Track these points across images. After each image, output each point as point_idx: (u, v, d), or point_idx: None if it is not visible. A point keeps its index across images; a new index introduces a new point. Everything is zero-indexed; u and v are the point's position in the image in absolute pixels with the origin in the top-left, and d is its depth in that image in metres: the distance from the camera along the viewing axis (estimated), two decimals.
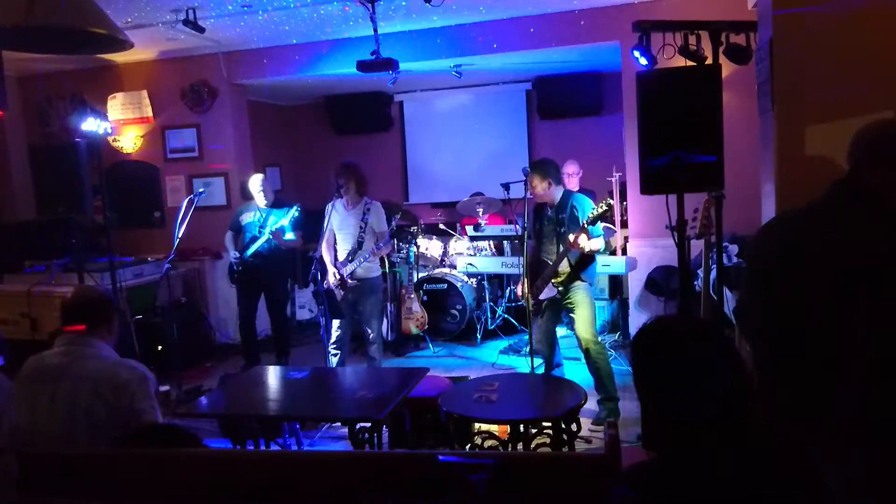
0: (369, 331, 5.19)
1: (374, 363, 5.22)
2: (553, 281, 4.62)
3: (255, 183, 5.74)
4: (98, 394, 2.45)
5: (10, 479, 2.03)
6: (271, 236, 5.61)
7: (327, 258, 5.18)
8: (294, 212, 5.56)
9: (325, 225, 5.15)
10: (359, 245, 5.07)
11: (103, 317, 2.64)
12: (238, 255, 5.72)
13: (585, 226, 4.32)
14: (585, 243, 4.37)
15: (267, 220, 5.68)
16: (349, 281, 5.06)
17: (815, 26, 2.85)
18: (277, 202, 5.83)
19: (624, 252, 6.31)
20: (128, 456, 2.26)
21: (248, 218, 5.77)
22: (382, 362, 5.36)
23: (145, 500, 2.13)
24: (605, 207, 4.28)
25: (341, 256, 5.16)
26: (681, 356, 1.44)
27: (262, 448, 3.75)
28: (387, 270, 6.78)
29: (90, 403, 2.44)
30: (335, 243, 5.22)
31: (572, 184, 6.28)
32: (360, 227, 5.08)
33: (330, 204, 5.20)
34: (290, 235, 5.64)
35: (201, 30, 5.53)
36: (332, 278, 5.10)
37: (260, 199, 5.74)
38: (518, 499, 2.05)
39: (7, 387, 2.44)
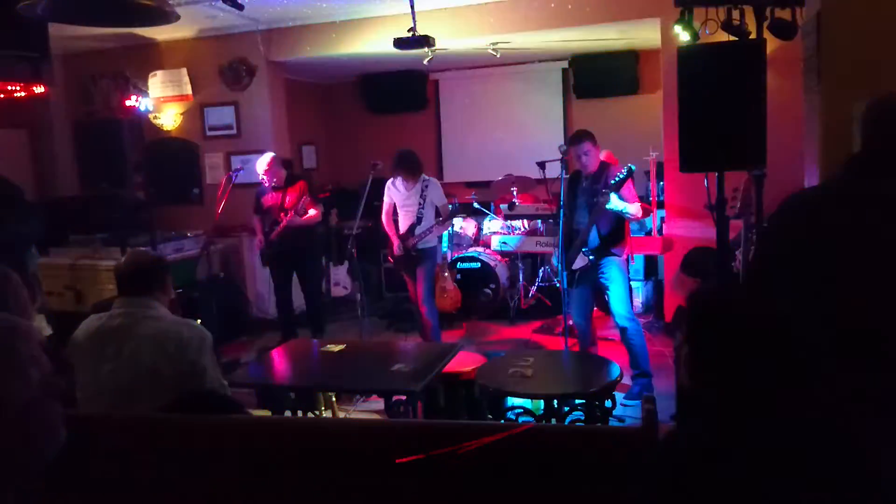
0: (422, 294, 5.51)
1: (429, 328, 5.56)
2: (584, 250, 4.62)
3: (262, 164, 5.68)
4: (163, 352, 2.53)
5: (53, 429, 2.09)
6: (288, 222, 5.60)
7: (390, 231, 5.60)
8: (304, 192, 5.64)
9: (384, 200, 5.61)
10: (418, 220, 5.42)
11: (158, 278, 2.70)
12: (263, 240, 5.78)
13: (613, 190, 4.39)
14: (616, 202, 4.39)
15: (284, 203, 5.68)
16: (413, 253, 5.48)
17: None
18: (290, 179, 5.81)
19: (660, 232, 6.26)
20: (174, 421, 2.32)
21: (269, 201, 5.79)
22: (437, 330, 5.66)
23: (190, 463, 2.20)
24: (625, 173, 4.38)
25: (402, 229, 5.55)
26: (745, 327, 1.42)
27: None
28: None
29: (155, 361, 2.52)
30: (396, 217, 5.62)
31: None
32: (420, 204, 5.43)
33: (390, 181, 5.60)
34: (311, 212, 5.65)
35: (240, 7, 5.56)
36: (397, 250, 5.50)
37: (266, 181, 5.71)
38: (553, 472, 2.06)
39: (35, 336, 2.51)
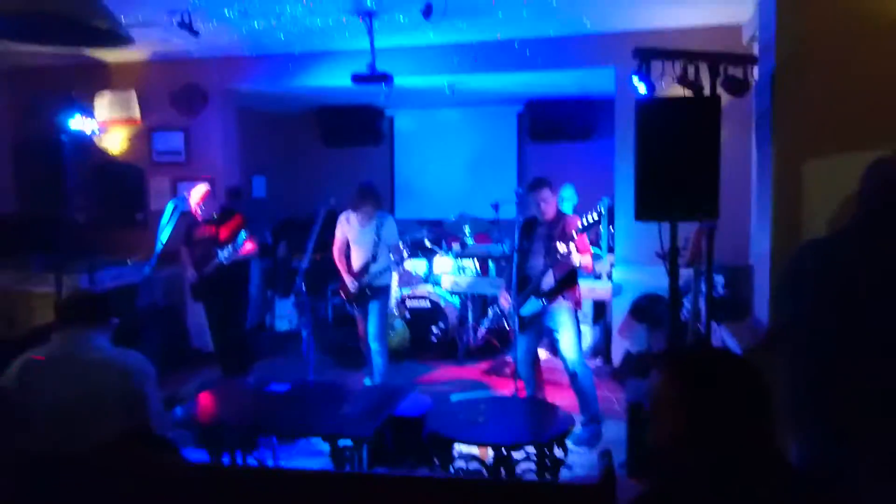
0: (372, 332, 5.40)
1: (377, 366, 5.43)
2: (535, 295, 4.62)
3: (195, 196, 5.44)
4: (105, 381, 2.50)
5: None
6: (225, 261, 5.35)
7: (342, 266, 5.47)
8: (240, 227, 5.45)
9: (337, 234, 5.47)
10: (373, 258, 5.32)
11: (101, 313, 2.70)
12: (195, 273, 5.55)
13: (577, 234, 4.39)
14: (575, 255, 4.40)
15: (217, 234, 5.48)
16: (367, 291, 5.37)
17: (819, 59, 2.87)
18: (226, 212, 5.64)
19: (609, 277, 6.31)
20: (109, 463, 2.18)
21: (201, 233, 5.58)
22: (386, 368, 5.49)
23: None
24: (594, 219, 4.37)
25: (355, 266, 5.43)
26: (744, 386, 1.41)
27: (239, 460, 3.67)
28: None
29: (97, 390, 2.48)
30: (347, 251, 5.48)
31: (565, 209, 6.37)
32: (374, 242, 5.31)
33: (344, 215, 5.47)
34: (247, 246, 5.39)
35: (196, 33, 5.47)
36: (351, 286, 5.39)
37: (197, 213, 5.52)
38: None
39: None
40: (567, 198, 6.67)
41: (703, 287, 4.11)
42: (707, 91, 3.72)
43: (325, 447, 3.75)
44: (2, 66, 6.90)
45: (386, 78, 5.55)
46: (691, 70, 3.84)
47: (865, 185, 2.06)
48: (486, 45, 6.28)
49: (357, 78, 5.54)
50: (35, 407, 2.49)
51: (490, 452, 3.35)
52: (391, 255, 5.41)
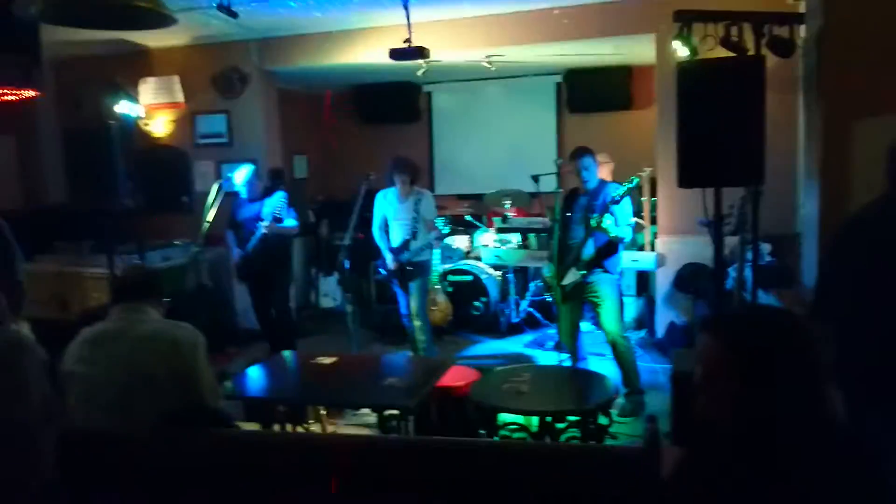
0: (413, 308, 5.44)
1: (420, 342, 5.48)
2: (576, 266, 4.59)
3: (241, 177, 5.62)
4: (157, 353, 2.55)
5: (45, 458, 2.03)
6: (266, 230, 5.43)
7: (382, 243, 5.51)
8: (279, 200, 5.46)
9: (375, 212, 5.50)
10: (413, 235, 5.35)
11: (155, 290, 2.79)
12: (240, 251, 5.65)
13: (612, 204, 4.34)
14: (614, 225, 4.37)
15: (261, 213, 5.55)
16: (408, 268, 5.41)
17: (868, 16, 2.77)
18: (269, 191, 5.70)
19: (652, 248, 6.24)
20: (164, 439, 2.26)
21: (244, 214, 5.69)
22: (430, 344, 5.55)
23: (182, 482, 2.13)
24: (630, 185, 4.33)
25: (395, 243, 5.46)
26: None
27: None
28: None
29: (149, 362, 2.53)
30: (387, 229, 5.52)
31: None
32: (413, 218, 5.35)
33: (381, 193, 5.51)
34: (289, 222, 5.55)
35: (235, 15, 5.52)
36: (390, 263, 5.42)
37: (243, 193, 5.67)
38: (552, 492, 2.02)
39: (40, 358, 2.46)
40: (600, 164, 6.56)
41: (749, 255, 4.05)
42: (752, 53, 3.63)
43: (371, 420, 3.83)
44: (48, 57, 7.04)
45: (423, 52, 5.53)
46: (735, 31, 3.75)
47: (891, 164, 2.02)
48: (523, 15, 6.21)
49: (395, 53, 5.54)
50: (94, 381, 2.56)
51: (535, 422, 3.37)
52: (430, 231, 5.43)
